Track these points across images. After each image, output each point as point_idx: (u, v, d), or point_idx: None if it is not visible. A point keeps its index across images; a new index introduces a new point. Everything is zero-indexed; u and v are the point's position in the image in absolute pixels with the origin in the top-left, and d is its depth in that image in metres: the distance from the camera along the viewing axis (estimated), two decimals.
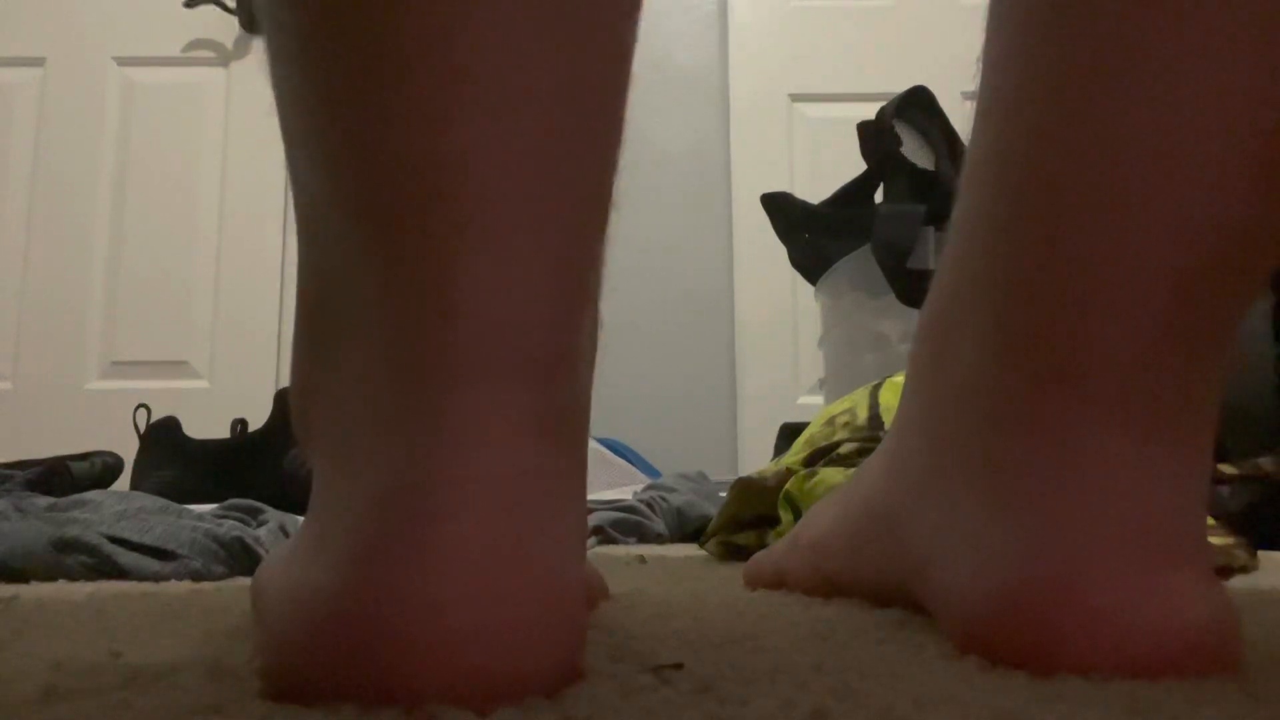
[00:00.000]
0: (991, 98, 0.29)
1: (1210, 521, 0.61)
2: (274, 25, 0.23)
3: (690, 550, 0.87)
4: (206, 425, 1.24)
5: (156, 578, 0.55)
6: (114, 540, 0.56)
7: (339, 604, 0.21)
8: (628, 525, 1.00)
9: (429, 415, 0.22)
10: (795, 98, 2.14)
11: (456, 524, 0.21)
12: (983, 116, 0.30)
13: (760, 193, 1.30)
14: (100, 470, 0.89)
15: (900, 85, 1.21)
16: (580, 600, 0.23)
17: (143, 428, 1.15)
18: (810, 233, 1.25)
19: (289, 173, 0.26)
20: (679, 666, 0.24)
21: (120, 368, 2.00)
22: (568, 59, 0.22)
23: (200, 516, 0.64)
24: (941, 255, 0.33)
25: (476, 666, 0.20)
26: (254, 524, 0.69)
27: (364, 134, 0.22)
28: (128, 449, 1.08)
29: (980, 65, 0.30)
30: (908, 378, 0.34)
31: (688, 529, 1.05)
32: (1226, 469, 0.82)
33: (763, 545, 0.67)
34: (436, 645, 0.20)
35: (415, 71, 0.21)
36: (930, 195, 1.11)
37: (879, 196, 1.20)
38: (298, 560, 0.24)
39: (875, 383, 0.78)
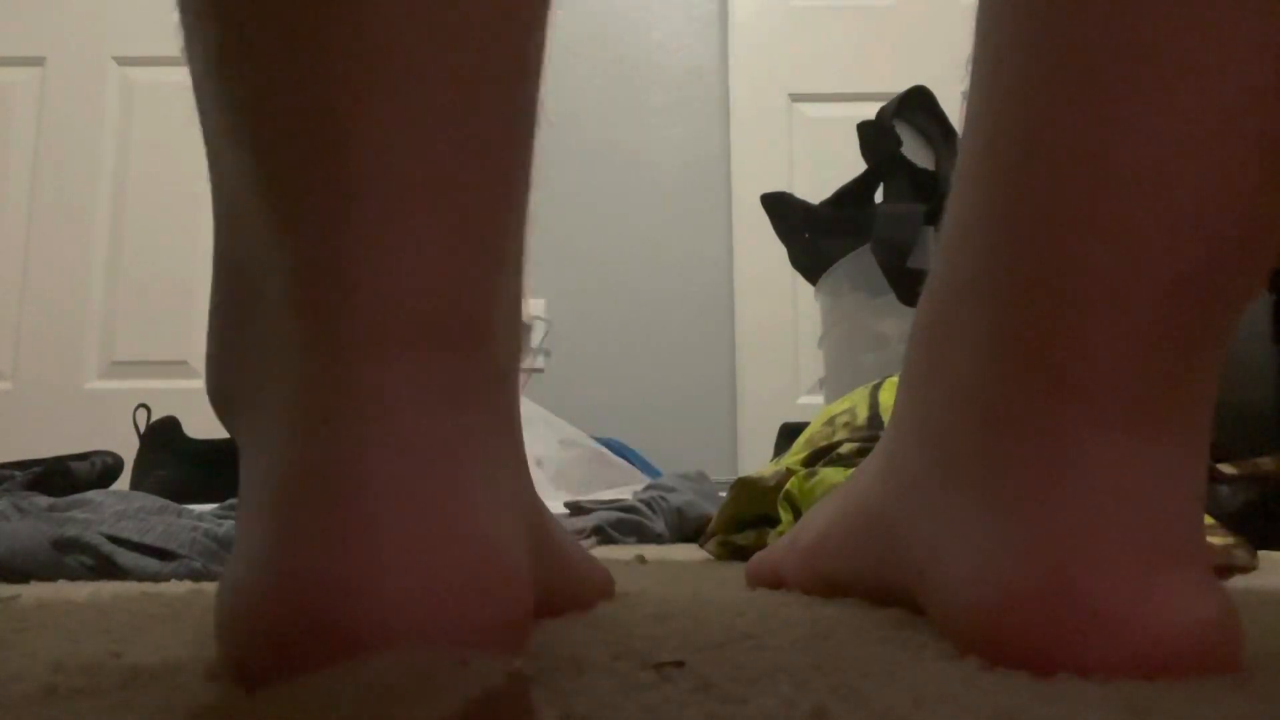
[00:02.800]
0: (983, 100, 0.29)
1: (1210, 521, 0.61)
2: None
3: (690, 550, 0.87)
4: (206, 425, 1.24)
5: (156, 578, 0.55)
6: (114, 540, 0.56)
7: (265, 597, 0.21)
8: (628, 525, 1.00)
9: (336, 391, 0.22)
10: (795, 98, 2.14)
11: (369, 501, 0.21)
12: (974, 118, 0.30)
13: (760, 193, 1.30)
14: (100, 470, 0.89)
15: (900, 85, 1.21)
16: (517, 561, 0.23)
17: (143, 428, 1.15)
18: (810, 233, 1.25)
19: (205, 151, 0.26)
20: (680, 664, 0.24)
21: (120, 367, 2.00)
22: (469, 36, 0.22)
23: (200, 516, 0.64)
24: (935, 257, 0.33)
25: (411, 638, 0.20)
26: None
27: (262, 104, 0.22)
28: (128, 449, 1.08)
29: (970, 67, 0.30)
30: (903, 380, 0.34)
31: (688, 529, 1.05)
32: (1226, 469, 0.82)
33: (763, 545, 0.67)
34: (366, 623, 0.20)
35: (312, 42, 0.21)
36: (930, 195, 1.11)
37: (879, 196, 1.20)
38: (234, 553, 0.24)
39: (875, 382, 0.78)
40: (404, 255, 0.22)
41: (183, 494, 0.89)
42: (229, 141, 0.24)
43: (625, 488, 1.29)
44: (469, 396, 0.23)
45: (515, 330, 0.27)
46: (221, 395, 0.27)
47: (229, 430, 0.28)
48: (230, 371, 0.26)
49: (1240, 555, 0.59)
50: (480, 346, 0.24)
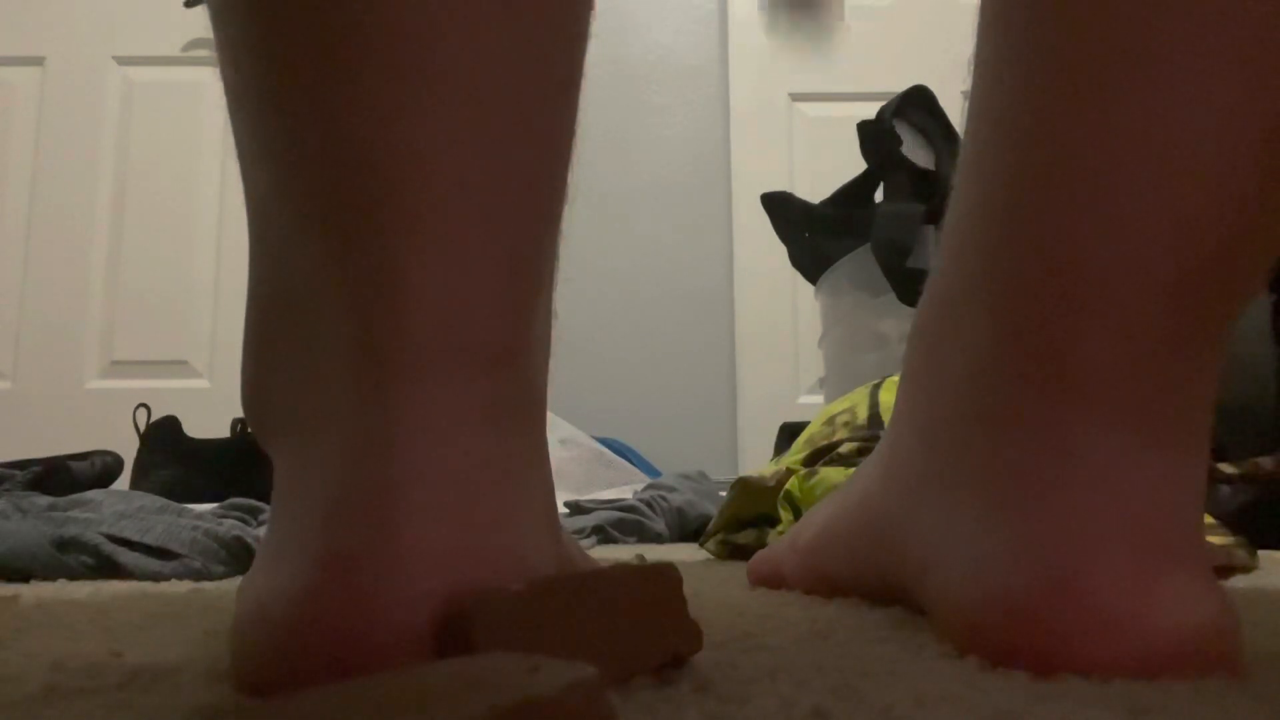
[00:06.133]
0: (985, 100, 0.29)
1: (1210, 521, 0.61)
2: (225, 17, 0.23)
3: (690, 550, 0.87)
4: (206, 425, 1.24)
5: (157, 577, 0.55)
6: (114, 540, 0.56)
7: (304, 611, 0.21)
8: (628, 525, 1.00)
9: (383, 411, 0.22)
10: (795, 98, 2.14)
11: (415, 523, 0.21)
12: (976, 118, 0.30)
13: (760, 193, 1.30)
14: (100, 470, 0.89)
15: (900, 85, 1.21)
16: None
17: (143, 427, 1.15)
18: (810, 232, 1.25)
19: (241, 170, 0.26)
20: (680, 664, 0.24)
21: (120, 367, 2.00)
22: (521, 55, 0.22)
23: (200, 516, 0.64)
24: (936, 257, 0.33)
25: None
26: (254, 523, 0.69)
27: (318, 128, 0.22)
28: (128, 449, 1.08)
29: (973, 66, 0.30)
30: (903, 379, 0.34)
31: (688, 529, 1.05)
32: (1226, 469, 0.82)
33: (763, 545, 0.67)
34: (404, 646, 0.20)
35: (370, 66, 0.21)
36: (930, 194, 1.11)
37: (879, 196, 1.20)
38: (263, 566, 0.24)
39: (875, 382, 0.78)
40: (458, 278, 0.22)
41: (183, 494, 0.89)
42: (276, 166, 0.23)
43: (625, 488, 1.29)
44: (507, 417, 0.23)
45: (546, 349, 0.27)
46: (258, 412, 0.27)
47: (264, 445, 0.28)
48: (269, 389, 0.26)
49: (1240, 555, 0.59)
50: (518, 367, 0.24)
